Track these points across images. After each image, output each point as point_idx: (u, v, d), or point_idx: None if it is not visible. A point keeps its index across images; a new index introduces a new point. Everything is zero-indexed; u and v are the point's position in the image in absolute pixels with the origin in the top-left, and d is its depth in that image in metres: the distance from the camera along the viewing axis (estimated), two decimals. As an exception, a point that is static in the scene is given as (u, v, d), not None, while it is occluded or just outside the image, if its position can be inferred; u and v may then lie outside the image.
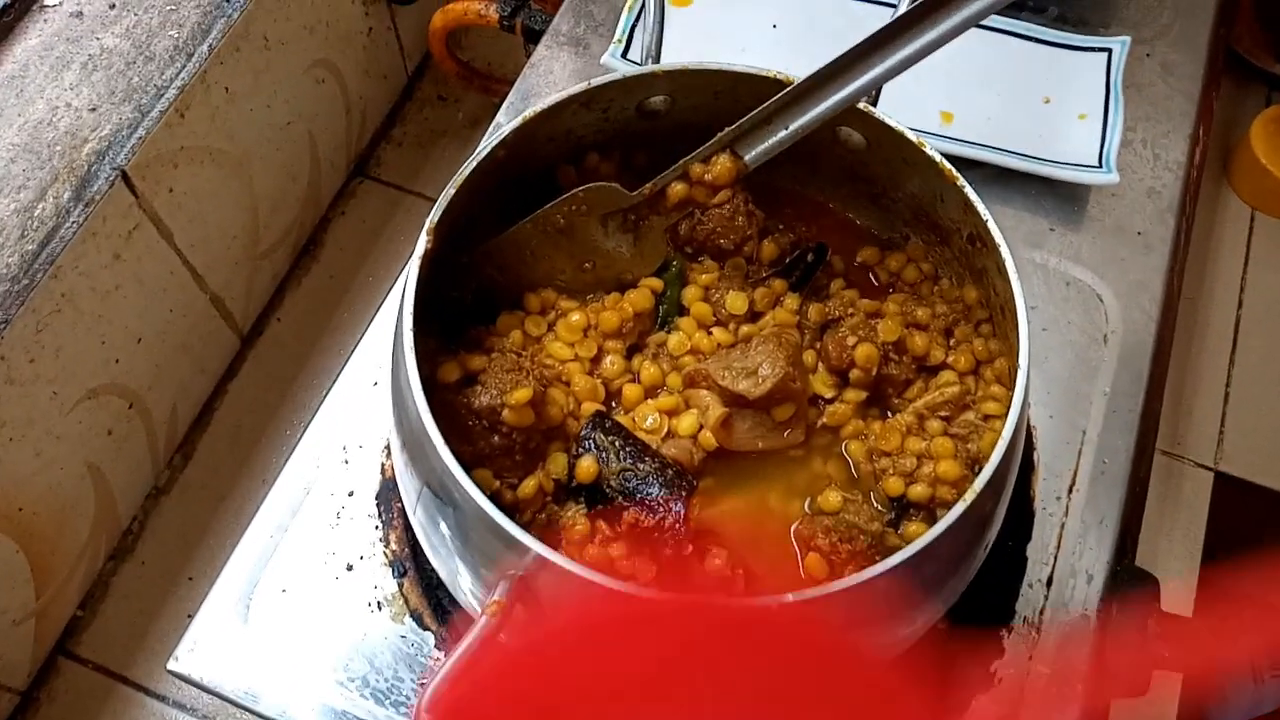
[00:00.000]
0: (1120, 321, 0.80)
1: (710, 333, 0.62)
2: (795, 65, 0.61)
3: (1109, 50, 0.89)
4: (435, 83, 1.21)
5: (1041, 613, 0.69)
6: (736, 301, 0.62)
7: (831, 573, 0.52)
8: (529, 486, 0.54)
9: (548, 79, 0.90)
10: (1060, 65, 0.89)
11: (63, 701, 0.87)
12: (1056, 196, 0.84)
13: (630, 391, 0.59)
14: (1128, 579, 0.71)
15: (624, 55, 0.86)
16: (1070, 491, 0.73)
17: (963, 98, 0.87)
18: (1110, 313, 0.80)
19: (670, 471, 0.52)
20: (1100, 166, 0.83)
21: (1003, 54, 0.90)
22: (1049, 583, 0.70)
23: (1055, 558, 0.71)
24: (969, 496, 0.48)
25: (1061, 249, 0.82)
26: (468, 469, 0.49)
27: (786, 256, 0.66)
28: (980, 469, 0.56)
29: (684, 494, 0.51)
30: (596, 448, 0.52)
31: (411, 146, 1.17)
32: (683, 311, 0.63)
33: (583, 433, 0.54)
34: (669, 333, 0.62)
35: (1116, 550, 0.71)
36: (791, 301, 0.64)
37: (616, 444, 0.52)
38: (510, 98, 0.90)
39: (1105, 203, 0.85)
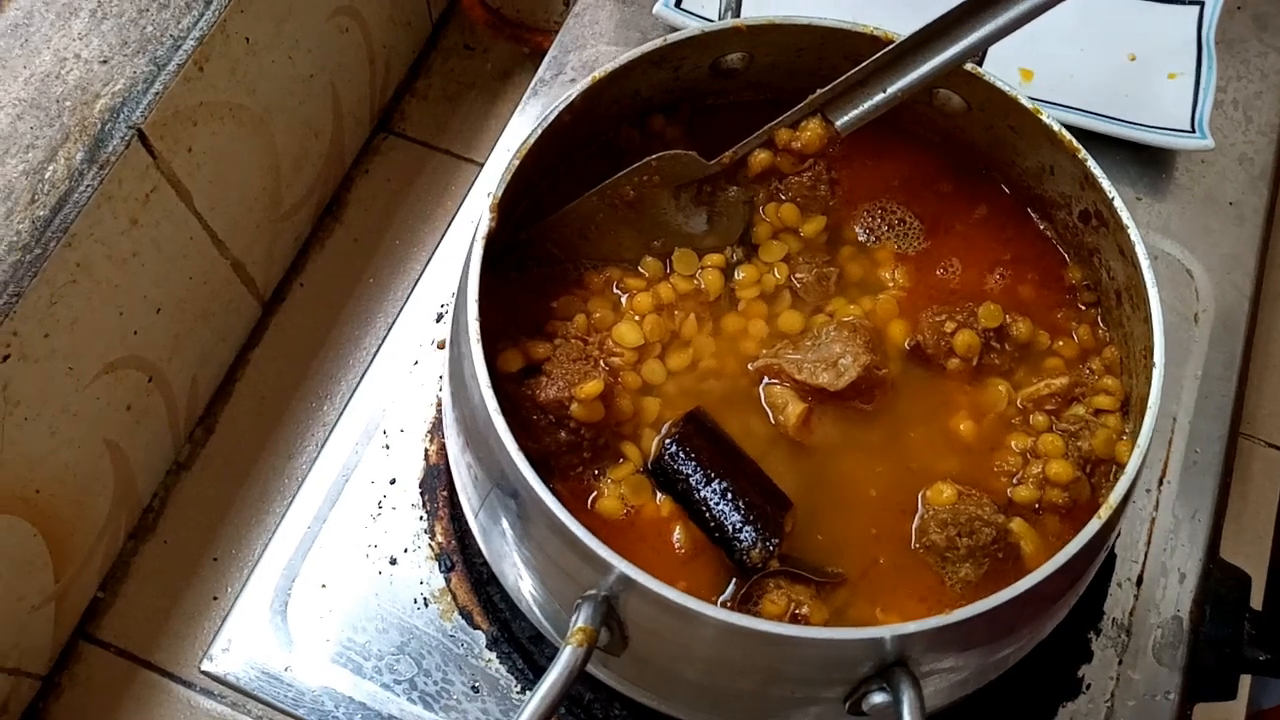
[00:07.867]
0: (1211, 299, 0.74)
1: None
2: (868, 14, 0.56)
3: (1201, 3, 0.82)
4: (461, 31, 1.14)
5: (1131, 614, 0.65)
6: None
7: (944, 569, 0.47)
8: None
9: (593, 30, 0.84)
10: (1147, 20, 0.83)
11: (85, 686, 0.84)
12: (1142, 163, 0.78)
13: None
14: (1220, 577, 0.66)
15: (677, 5, 0.80)
16: (1160, 484, 0.68)
17: (1043, 54, 0.81)
18: (1201, 289, 0.75)
19: (760, 494, 0.47)
20: (1192, 130, 0.77)
21: (1086, 6, 0.83)
22: (1139, 582, 0.66)
23: (1145, 555, 0.66)
24: (1104, 513, 0.43)
25: (1149, 220, 0.77)
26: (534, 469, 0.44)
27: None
28: (1091, 469, 0.52)
29: (779, 517, 0.46)
30: (680, 466, 0.47)
31: (437, 100, 1.10)
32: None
33: (666, 450, 0.48)
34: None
35: (1209, 546, 0.67)
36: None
37: (704, 462, 0.46)
38: (552, 51, 0.83)
39: (1194, 170, 0.79)
